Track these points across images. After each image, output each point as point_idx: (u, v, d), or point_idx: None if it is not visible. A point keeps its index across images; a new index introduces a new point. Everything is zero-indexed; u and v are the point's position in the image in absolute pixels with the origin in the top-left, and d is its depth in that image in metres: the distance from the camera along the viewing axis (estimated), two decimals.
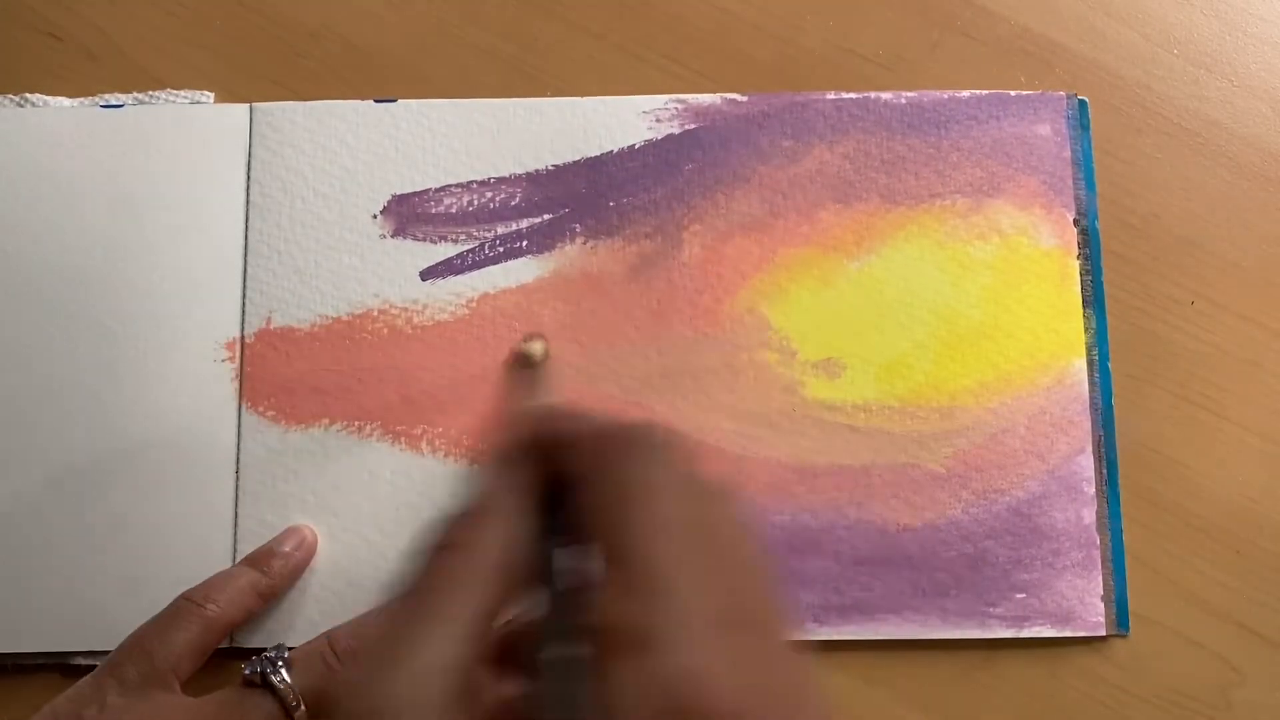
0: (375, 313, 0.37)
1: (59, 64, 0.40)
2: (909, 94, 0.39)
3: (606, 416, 0.23)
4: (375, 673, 0.21)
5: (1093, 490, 0.36)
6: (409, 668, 0.21)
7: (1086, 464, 0.36)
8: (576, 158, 0.38)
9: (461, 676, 0.21)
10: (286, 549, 0.35)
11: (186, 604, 0.32)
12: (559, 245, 0.38)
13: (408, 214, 0.38)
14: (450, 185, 0.38)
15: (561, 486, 0.23)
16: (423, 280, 0.37)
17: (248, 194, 0.38)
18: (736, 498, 0.22)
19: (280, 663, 0.31)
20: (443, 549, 0.23)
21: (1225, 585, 0.36)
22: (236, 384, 0.37)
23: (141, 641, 0.31)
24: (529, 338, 0.36)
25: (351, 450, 0.36)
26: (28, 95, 0.39)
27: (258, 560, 0.34)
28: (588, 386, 0.37)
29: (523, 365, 0.36)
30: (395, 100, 0.39)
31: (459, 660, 0.21)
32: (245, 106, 0.39)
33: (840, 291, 0.37)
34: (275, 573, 0.34)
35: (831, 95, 0.39)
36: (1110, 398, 0.37)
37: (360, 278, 0.37)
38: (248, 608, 0.33)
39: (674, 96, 0.39)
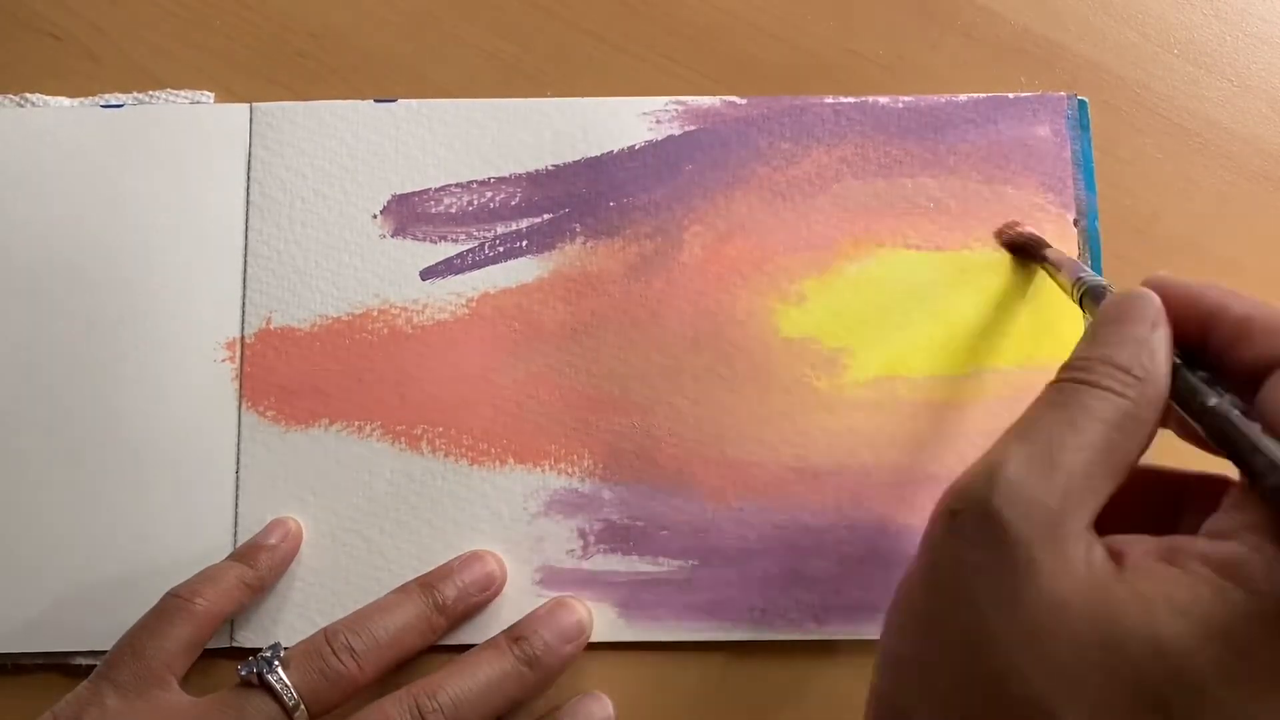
0: (375, 313, 0.37)
1: (59, 64, 0.40)
2: (907, 98, 0.39)
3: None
4: (1034, 463, 0.21)
5: None
6: (1066, 472, 0.21)
7: None
8: (577, 158, 0.38)
9: (1100, 506, 0.21)
10: (272, 541, 0.35)
11: (175, 600, 0.32)
12: (559, 245, 0.38)
13: (408, 214, 0.38)
14: (450, 185, 0.38)
15: (1191, 352, 0.23)
16: (423, 280, 0.37)
17: (248, 194, 0.38)
18: None
19: (276, 662, 0.31)
20: (1092, 386, 0.23)
21: None
22: (236, 384, 0.37)
23: (133, 642, 0.31)
24: (1011, 226, 0.37)
25: (351, 450, 0.36)
26: (28, 95, 0.39)
27: (244, 555, 0.34)
28: (588, 386, 0.37)
29: (1029, 246, 0.36)
30: (395, 100, 0.39)
31: (1104, 489, 0.21)
32: (245, 106, 0.39)
33: (839, 293, 0.37)
34: (262, 565, 0.34)
35: (830, 99, 0.39)
36: None
37: (360, 278, 0.37)
38: (237, 600, 0.34)
39: (674, 99, 0.39)
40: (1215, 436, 0.22)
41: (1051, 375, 0.36)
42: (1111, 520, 0.22)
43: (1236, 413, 0.21)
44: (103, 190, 0.38)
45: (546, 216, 0.38)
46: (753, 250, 0.38)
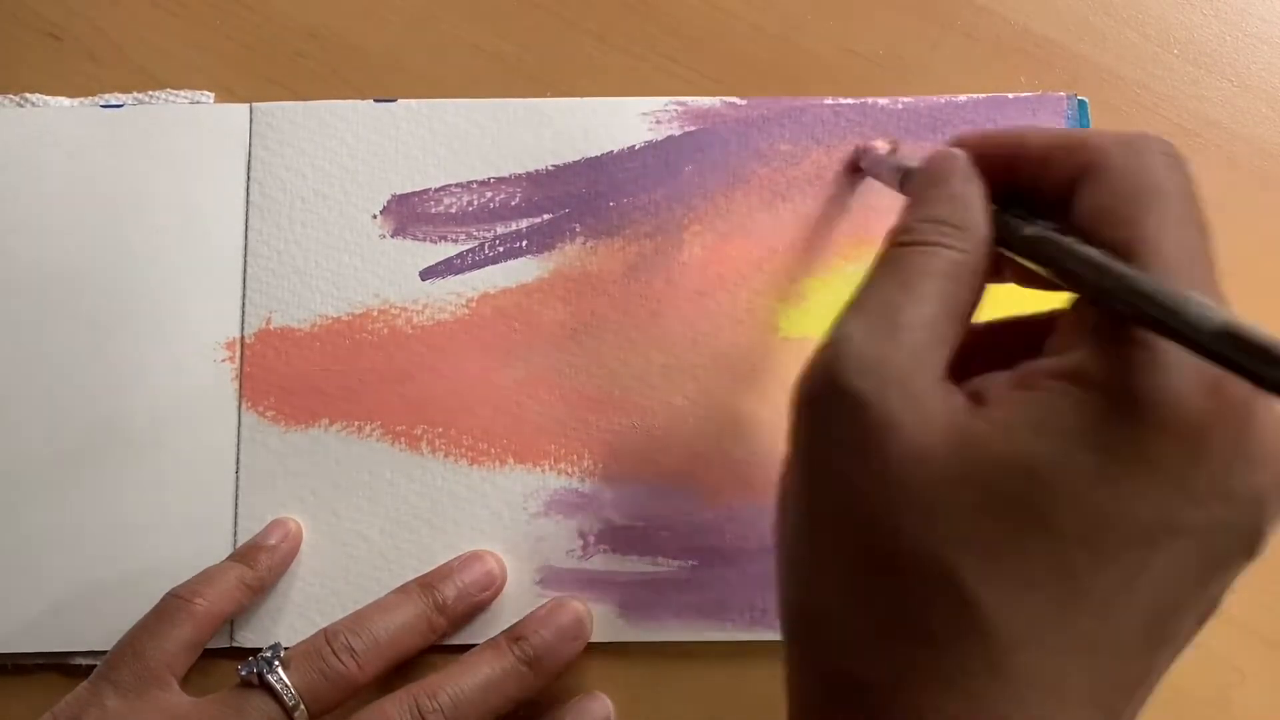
0: (375, 313, 0.37)
1: (59, 64, 0.40)
2: (906, 99, 0.39)
3: (1084, 129, 0.24)
4: (874, 330, 0.21)
5: None
6: (907, 330, 0.21)
7: None
8: (577, 158, 0.38)
9: (949, 355, 0.21)
10: (272, 541, 0.35)
11: (175, 601, 0.32)
12: (559, 245, 0.38)
13: (408, 214, 0.38)
14: (450, 185, 0.38)
15: (1004, 198, 0.24)
16: (423, 280, 0.37)
17: (248, 194, 0.38)
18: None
19: (276, 662, 0.31)
20: (919, 245, 0.23)
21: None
22: (236, 384, 0.37)
23: (133, 643, 0.31)
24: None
25: (351, 450, 0.36)
26: (28, 95, 0.39)
27: (244, 555, 0.34)
28: (588, 386, 0.37)
29: (867, 155, 0.37)
30: (395, 100, 0.39)
31: (949, 338, 0.22)
32: (245, 106, 0.39)
33: (839, 293, 0.37)
34: (262, 566, 0.34)
35: (829, 100, 0.39)
36: None
37: (360, 278, 0.37)
38: (237, 601, 0.34)
39: (674, 99, 0.39)
40: (1041, 263, 0.22)
41: None
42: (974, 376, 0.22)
43: (1051, 233, 0.22)
44: (103, 190, 0.38)
45: (546, 216, 0.38)
46: (752, 250, 0.38)
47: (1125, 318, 0.20)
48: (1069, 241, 0.21)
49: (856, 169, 0.38)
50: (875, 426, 0.20)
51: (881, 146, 0.37)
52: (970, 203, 0.24)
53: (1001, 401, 0.20)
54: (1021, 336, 0.24)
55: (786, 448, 0.23)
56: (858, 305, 0.23)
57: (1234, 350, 0.17)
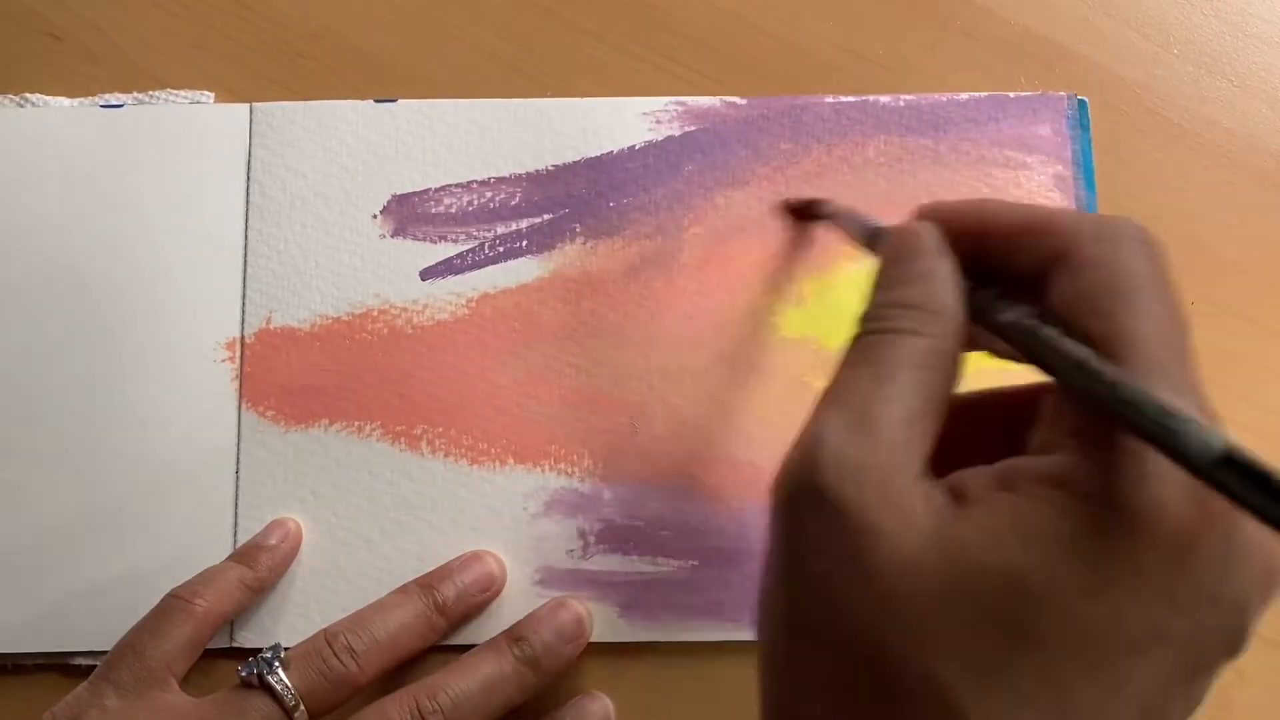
0: (375, 313, 0.37)
1: (59, 64, 0.40)
2: (907, 97, 0.39)
3: (1055, 208, 0.23)
4: (851, 428, 0.21)
5: None
6: (885, 428, 0.21)
7: None
8: (576, 158, 0.38)
9: (927, 452, 0.21)
10: (272, 542, 0.35)
11: (175, 601, 0.32)
12: (559, 245, 0.38)
13: (408, 214, 0.38)
14: (450, 185, 0.38)
15: (976, 272, 0.23)
16: (423, 280, 0.37)
17: (248, 194, 0.38)
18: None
19: (276, 663, 0.31)
20: (891, 333, 0.22)
21: None
22: (236, 384, 0.37)
23: (133, 643, 0.31)
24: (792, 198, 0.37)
25: (351, 450, 0.36)
26: (28, 95, 0.39)
27: (244, 555, 0.34)
28: (588, 386, 0.37)
29: (812, 209, 0.36)
30: (395, 100, 0.39)
31: (927, 435, 0.21)
32: (245, 106, 0.39)
33: (839, 294, 0.37)
34: (262, 566, 0.34)
35: (830, 99, 0.39)
36: None
37: (360, 278, 0.37)
38: (237, 601, 0.34)
39: (674, 99, 0.39)
40: (1022, 352, 0.22)
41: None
42: (953, 457, 0.22)
43: (1031, 321, 0.21)
44: (103, 190, 0.38)
45: (546, 217, 0.38)
46: (753, 250, 0.38)
47: (1111, 421, 0.19)
48: (1052, 335, 0.21)
49: (800, 214, 0.37)
50: (857, 533, 0.20)
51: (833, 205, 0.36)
52: (941, 282, 0.23)
53: (985, 503, 0.20)
54: (1002, 410, 0.23)
55: (767, 537, 0.22)
56: (832, 400, 0.22)
57: (1234, 479, 0.17)
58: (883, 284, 0.24)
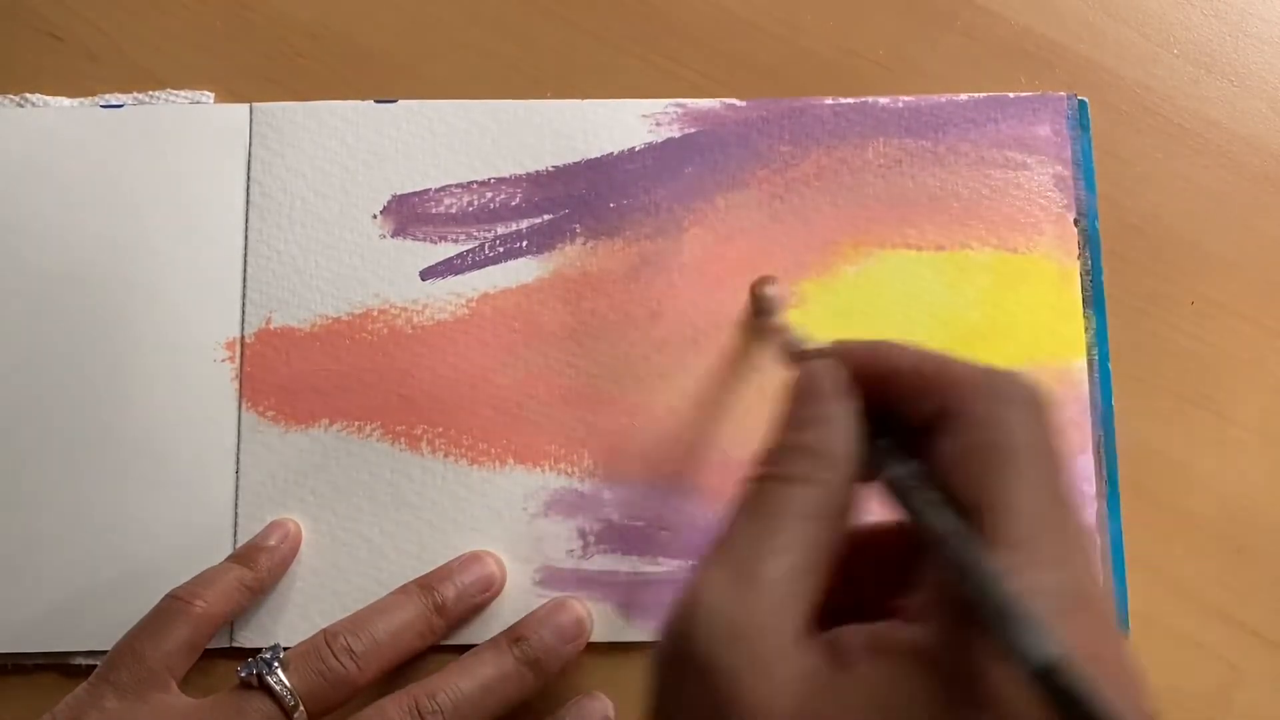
0: (375, 313, 0.37)
1: (59, 64, 0.40)
2: (906, 98, 0.39)
3: (952, 358, 0.23)
4: (732, 585, 0.21)
5: (1093, 490, 0.36)
6: (767, 585, 0.20)
7: (1086, 464, 0.36)
8: (577, 159, 0.38)
9: (811, 607, 0.21)
10: (272, 543, 0.35)
11: (174, 602, 0.32)
12: (559, 245, 0.38)
13: (408, 214, 0.38)
14: (450, 185, 0.38)
15: (882, 415, 0.23)
16: (423, 280, 0.37)
17: (248, 194, 0.38)
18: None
19: (276, 663, 0.31)
20: (782, 480, 0.22)
21: (1225, 585, 0.36)
22: (236, 384, 0.37)
23: (133, 644, 0.31)
24: (762, 282, 0.36)
25: (351, 450, 0.36)
26: (28, 95, 0.39)
27: (244, 556, 0.34)
28: (587, 386, 0.37)
29: (763, 311, 0.36)
30: (395, 100, 0.39)
31: (810, 590, 0.21)
32: (245, 106, 0.39)
33: (839, 295, 0.37)
34: (262, 567, 0.34)
35: (829, 100, 0.39)
36: (1110, 398, 0.37)
37: (360, 278, 0.37)
38: (237, 602, 0.34)
39: (674, 101, 0.39)
40: (902, 507, 0.22)
41: (1051, 376, 0.37)
42: (850, 584, 0.22)
43: (912, 481, 0.21)
44: (103, 190, 0.38)
45: (546, 217, 0.38)
46: (752, 252, 0.38)
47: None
48: (928, 500, 0.21)
49: (756, 305, 0.37)
50: (726, 700, 0.20)
51: (774, 290, 0.36)
52: (837, 428, 0.23)
53: (855, 668, 0.20)
54: (902, 541, 0.23)
55: (645, 702, 0.22)
56: (717, 553, 0.22)
57: (1056, 690, 0.17)
58: (782, 424, 0.24)
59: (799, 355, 0.28)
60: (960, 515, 0.20)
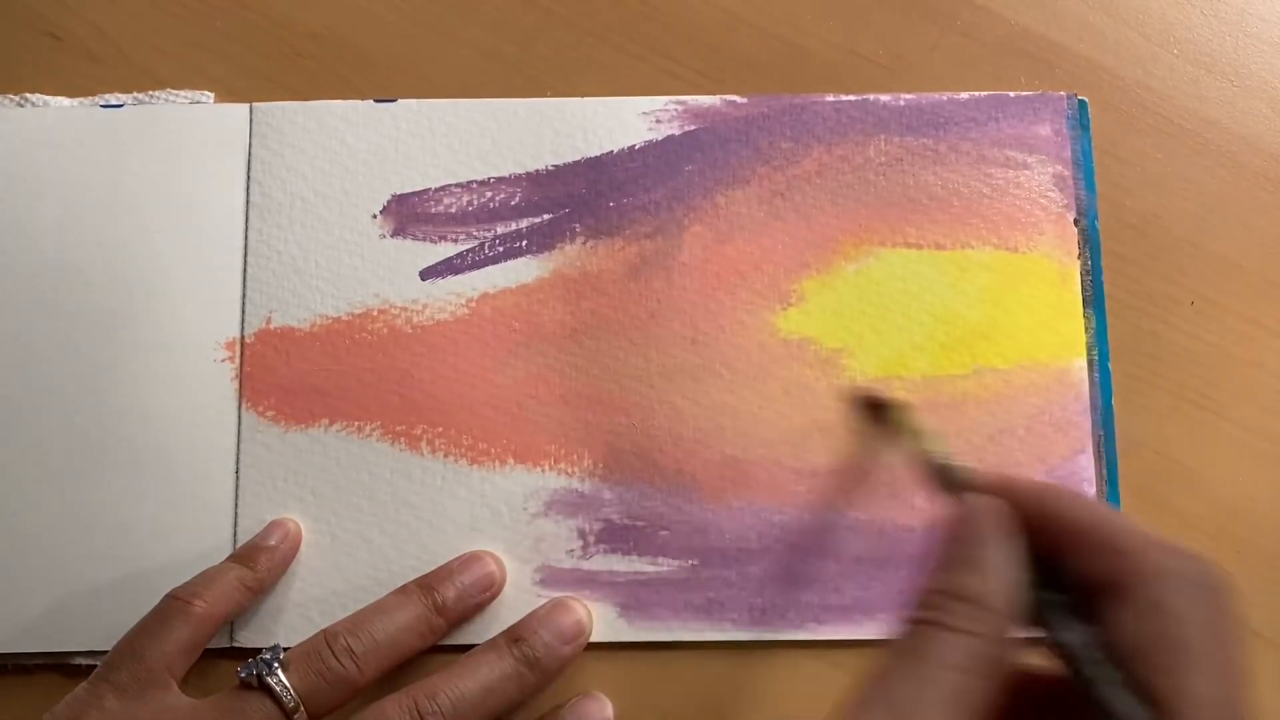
0: (375, 313, 0.37)
1: (59, 64, 0.40)
2: (908, 96, 0.39)
3: (1124, 521, 0.23)
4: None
5: (1093, 490, 0.36)
6: None
7: (1086, 464, 0.36)
8: (576, 158, 0.38)
9: None
10: (272, 542, 0.35)
11: (174, 602, 0.32)
12: (559, 245, 0.38)
13: (408, 214, 0.38)
14: (450, 185, 0.38)
15: (1044, 561, 0.23)
16: (423, 280, 0.37)
17: (248, 194, 0.38)
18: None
19: (276, 664, 0.31)
20: (942, 627, 0.22)
21: None
22: (236, 384, 0.37)
23: (133, 644, 0.31)
24: (867, 392, 0.35)
25: (351, 450, 0.36)
26: (28, 95, 0.39)
27: (244, 556, 0.34)
28: (588, 386, 0.37)
29: (887, 422, 0.34)
30: (395, 100, 0.39)
31: None
32: (245, 106, 0.39)
33: (839, 293, 0.37)
34: (262, 567, 0.34)
35: (830, 98, 0.39)
36: (1110, 398, 0.37)
37: (360, 278, 0.37)
38: (236, 602, 0.33)
39: (674, 98, 0.39)
40: (1072, 673, 0.22)
41: (1051, 375, 0.37)
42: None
43: (1092, 653, 0.22)
44: (103, 190, 0.38)
45: (546, 216, 0.38)
46: (753, 250, 0.38)
47: None
48: (1106, 676, 0.21)
49: (872, 409, 0.35)
50: None
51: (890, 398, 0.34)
52: (1001, 575, 0.23)
53: None
54: (1051, 693, 0.23)
55: None
56: (875, 690, 0.22)
57: None
58: (944, 563, 0.24)
59: (954, 483, 0.28)
60: (1140, 700, 0.20)
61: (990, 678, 0.22)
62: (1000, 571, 0.23)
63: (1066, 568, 0.23)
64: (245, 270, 0.37)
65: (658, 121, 0.39)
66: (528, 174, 0.38)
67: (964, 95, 0.39)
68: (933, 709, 0.21)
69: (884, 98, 0.39)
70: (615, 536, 0.36)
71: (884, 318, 0.37)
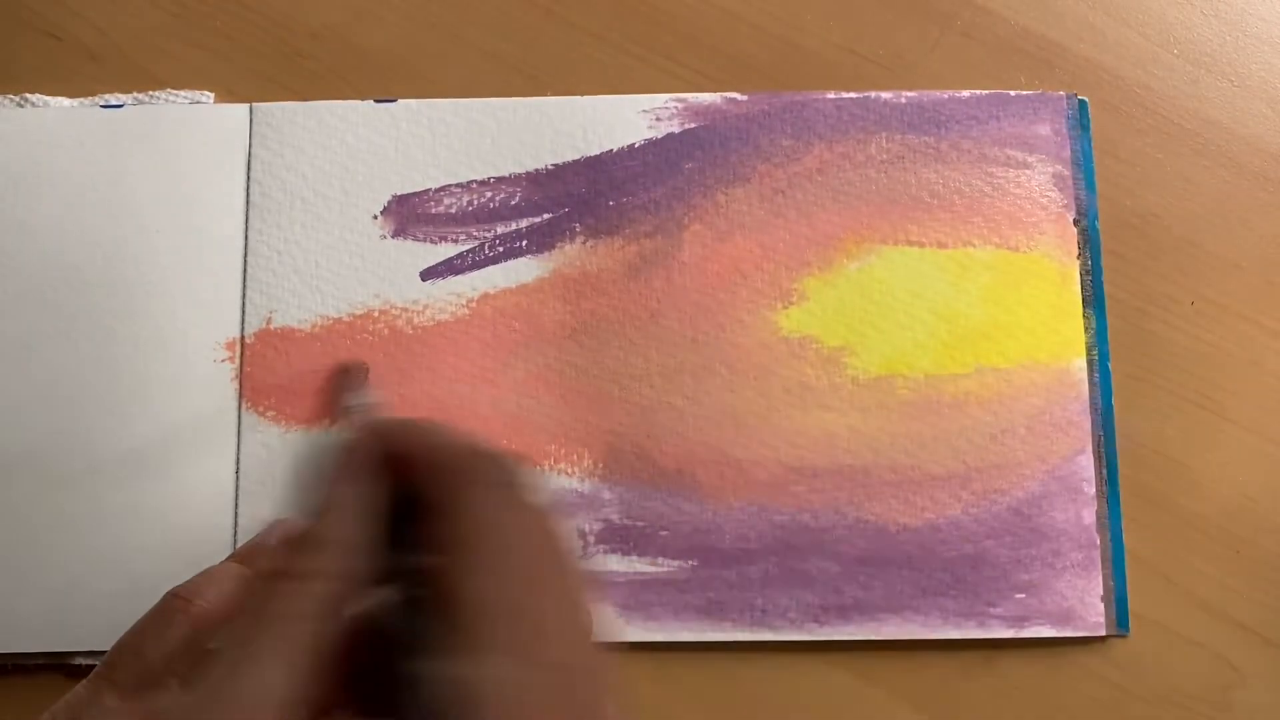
0: (375, 313, 0.37)
1: (59, 64, 0.40)
2: (909, 94, 0.39)
3: (460, 438, 0.23)
4: (208, 705, 0.21)
5: (1093, 490, 0.36)
6: (246, 699, 0.21)
7: (1086, 464, 0.36)
8: (576, 157, 0.38)
9: (299, 709, 0.21)
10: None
11: (174, 601, 0.32)
12: (559, 245, 0.38)
13: (408, 214, 0.38)
14: (450, 185, 0.38)
15: (409, 497, 0.23)
16: (423, 280, 0.37)
17: (248, 194, 0.38)
18: (560, 520, 0.23)
19: None
20: (279, 575, 0.22)
21: (1225, 585, 0.36)
22: (236, 384, 0.37)
23: (132, 643, 0.31)
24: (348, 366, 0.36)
25: None
26: (28, 95, 0.39)
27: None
28: (588, 386, 0.37)
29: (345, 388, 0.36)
30: (395, 100, 0.39)
31: (296, 692, 0.21)
32: (245, 106, 0.39)
33: (840, 292, 0.37)
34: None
35: (831, 95, 0.39)
36: (1110, 398, 0.37)
37: (360, 278, 0.37)
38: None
39: (674, 96, 0.39)
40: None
41: (1051, 375, 0.37)
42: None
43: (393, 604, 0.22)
44: (103, 190, 0.38)
45: (546, 216, 0.38)
46: (753, 248, 0.38)
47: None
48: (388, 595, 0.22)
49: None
50: None
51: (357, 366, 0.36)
52: (339, 516, 0.23)
53: None
54: None
55: None
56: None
57: None
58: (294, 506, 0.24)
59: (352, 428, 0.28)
60: (422, 606, 0.21)
61: (327, 619, 0.22)
62: (339, 511, 0.23)
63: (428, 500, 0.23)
64: (245, 270, 0.37)
65: (657, 119, 0.39)
66: (527, 174, 0.38)
67: (965, 93, 0.39)
68: (270, 656, 0.21)
69: (885, 95, 0.39)
70: (615, 537, 0.36)
71: (886, 316, 0.37)
